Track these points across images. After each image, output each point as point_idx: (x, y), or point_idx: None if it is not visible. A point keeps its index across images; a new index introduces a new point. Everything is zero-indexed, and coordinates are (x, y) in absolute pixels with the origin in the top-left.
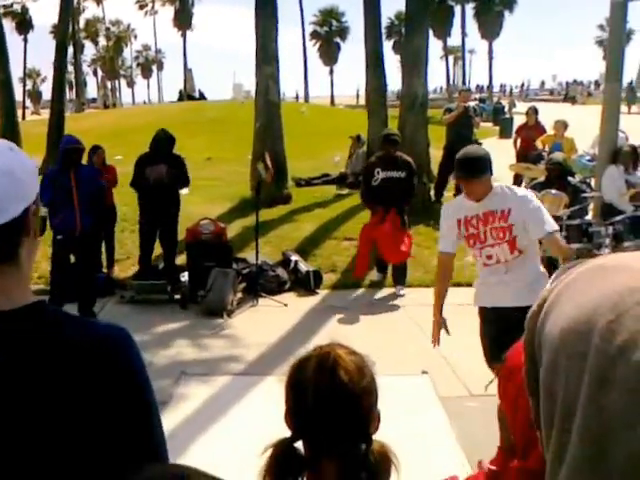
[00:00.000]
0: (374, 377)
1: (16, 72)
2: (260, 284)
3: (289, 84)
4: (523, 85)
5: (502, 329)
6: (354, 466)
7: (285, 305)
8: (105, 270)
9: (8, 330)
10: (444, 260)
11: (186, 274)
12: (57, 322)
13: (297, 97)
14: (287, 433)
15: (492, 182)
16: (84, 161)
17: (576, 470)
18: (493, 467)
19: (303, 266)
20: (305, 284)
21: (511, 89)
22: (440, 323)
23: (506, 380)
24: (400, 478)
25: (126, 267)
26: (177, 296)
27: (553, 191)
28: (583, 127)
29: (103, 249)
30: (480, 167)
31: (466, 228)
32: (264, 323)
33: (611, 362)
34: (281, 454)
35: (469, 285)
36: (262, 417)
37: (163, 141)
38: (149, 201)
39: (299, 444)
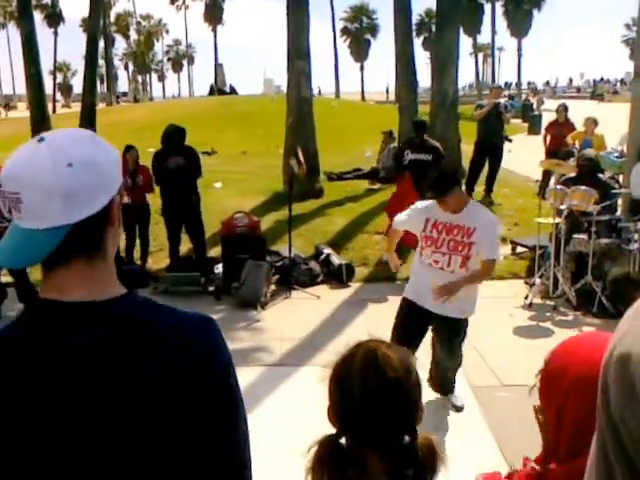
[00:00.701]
0: (417, 370)
1: (46, 65)
2: (293, 277)
3: (320, 80)
4: (548, 83)
5: (413, 326)
6: (400, 461)
7: (318, 297)
8: (139, 262)
9: (106, 316)
10: (392, 231)
11: (220, 266)
12: (150, 310)
13: (319, 92)
14: (320, 422)
15: (463, 196)
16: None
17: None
18: (537, 466)
19: (335, 259)
20: (337, 277)
21: (536, 87)
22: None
23: (550, 384)
24: (447, 471)
25: (159, 259)
26: (210, 288)
27: (583, 187)
28: (611, 124)
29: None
30: (446, 185)
31: (430, 229)
32: (297, 315)
33: None
34: (327, 451)
35: (501, 279)
36: (296, 408)
37: (174, 134)
38: (169, 193)
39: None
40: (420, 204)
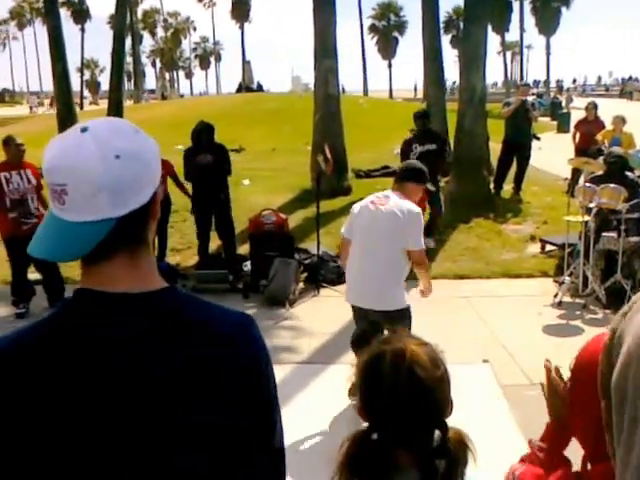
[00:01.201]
0: (446, 365)
1: (74, 62)
2: (321, 274)
3: (347, 78)
4: (575, 81)
5: (368, 326)
6: (431, 455)
7: None
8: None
9: (148, 309)
10: (346, 243)
11: (249, 263)
12: (191, 304)
13: (343, 91)
14: (348, 420)
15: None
16: None
17: None
18: (543, 445)
19: None
20: None
21: (562, 85)
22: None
23: (580, 381)
24: (477, 466)
25: (188, 257)
26: (239, 285)
27: (612, 185)
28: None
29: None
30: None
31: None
32: (326, 313)
33: None
34: (358, 447)
35: (529, 277)
36: (325, 405)
37: (204, 132)
38: (198, 190)
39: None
40: (354, 208)
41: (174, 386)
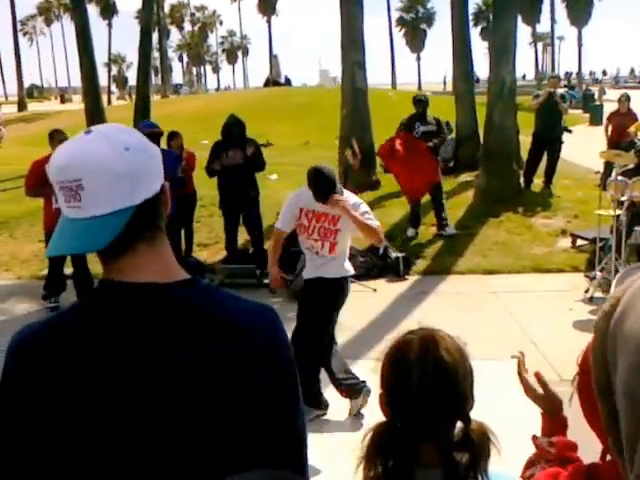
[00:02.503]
0: (469, 358)
1: (101, 57)
2: None
3: (376, 72)
4: (605, 73)
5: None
6: (453, 446)
7: (374, 290)
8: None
9: (175, 299)
10: (278, 235)
11: None
12: (214, 295)
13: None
14: (374, 416)
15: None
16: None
17: None
18: (553, 440)
19: (392, 252)
20: (394, 269)
21: (596, 77)
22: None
23: (588, 373)
24: (501, 457)
25: (215, 251)
26: (266, 280)
27: None
28: None
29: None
30: (329, 191)
31: (303, 218)
32: (354, 308)
33: None
34: (381, 438)
35: (560, 272)
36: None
37: (235, 126)
38: (228, 186)
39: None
40: (291, 197)
41: (176, 382)
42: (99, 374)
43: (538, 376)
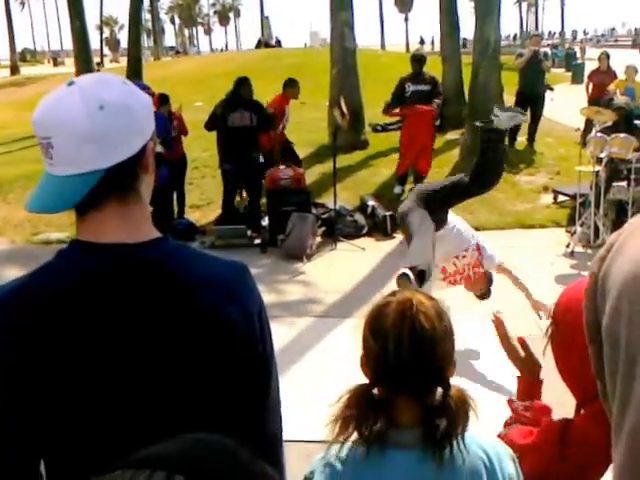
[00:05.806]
0: (451, 322)
1: (93, 20)
2: (338, 229)
3: (364, 32)
4: (585, 32)
5: None
6: (432, 411)
7: (363, 249)
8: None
9: (139, 259)
10: None
11: (266, 218)
12: (181, 255)
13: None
14: (357, 373)
15: None
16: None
17: None
18: (527, 403)
19: (380, 211)
20: (382, 228)
21: (575, 36)
22: None
23: (564, 323)
24: (478, 420)
25: (207, 213)
26: (257, 240)
27: (622, 135)
28: None
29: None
30: None
31: None
32: (342, 267)
33: None
34: (358, 400)
35: (542, 227)
36: (342, 358)
37: (245, 87)
38: (233, 146)
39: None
40: None
41: (168, 342)
42: (63, 335)
43: (521, 341)
